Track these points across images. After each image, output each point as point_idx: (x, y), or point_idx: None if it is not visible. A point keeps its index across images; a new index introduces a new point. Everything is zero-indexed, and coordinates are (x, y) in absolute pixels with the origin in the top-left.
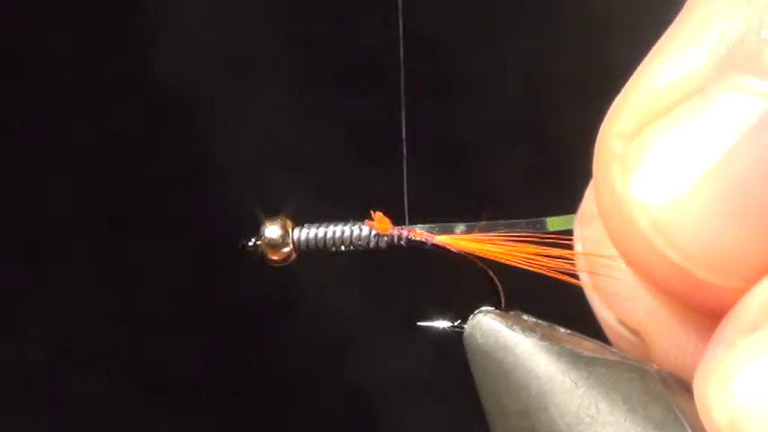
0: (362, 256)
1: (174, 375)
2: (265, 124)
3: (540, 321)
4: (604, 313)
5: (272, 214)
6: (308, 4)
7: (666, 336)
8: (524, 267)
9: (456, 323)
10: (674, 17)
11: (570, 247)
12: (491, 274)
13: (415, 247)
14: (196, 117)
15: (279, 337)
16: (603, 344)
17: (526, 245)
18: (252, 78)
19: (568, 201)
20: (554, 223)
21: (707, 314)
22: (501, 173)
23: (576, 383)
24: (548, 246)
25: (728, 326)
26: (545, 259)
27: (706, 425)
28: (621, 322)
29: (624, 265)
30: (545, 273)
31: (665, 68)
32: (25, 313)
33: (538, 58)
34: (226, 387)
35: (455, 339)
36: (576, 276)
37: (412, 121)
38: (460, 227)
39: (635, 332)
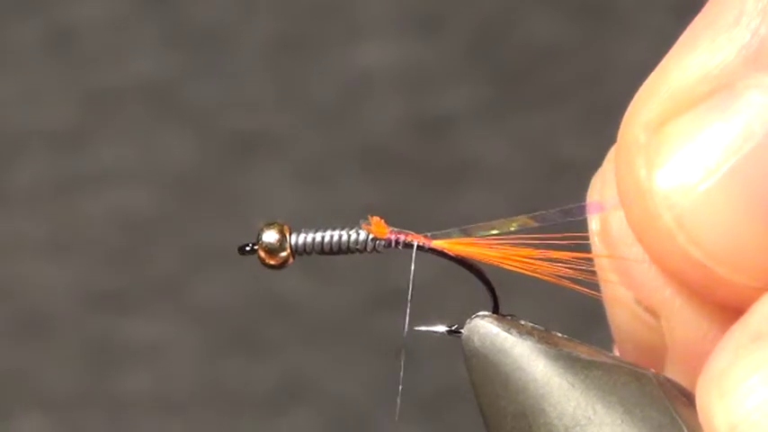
0: (368, 341)
1: None
2: (273, 206)
3: (536, 326)
4: (621, 292)
5: (269, 220)
6: (318, 85)
7: (687, 321)
8: (523, 272)
9: (453, 327)
10: None
11: (571, 250)
12: (488, 278)
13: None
14: (202, 195)
15: (283, 425)
16: (600, 349)
17: (525, 249)
18: (261, 159)
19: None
20: None
21: (728, 309)
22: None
23: (572, 386)
24: (547, 249)
25: (735, 333)
26: (544, 263)
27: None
28: (639, 302)
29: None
30: (544, 278)
31: (693, 62)
32: (18, 393)
33: (552, 137)
34: None
35: None
36: (574, 281)
37: (426, 202)
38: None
39: (653, 313)
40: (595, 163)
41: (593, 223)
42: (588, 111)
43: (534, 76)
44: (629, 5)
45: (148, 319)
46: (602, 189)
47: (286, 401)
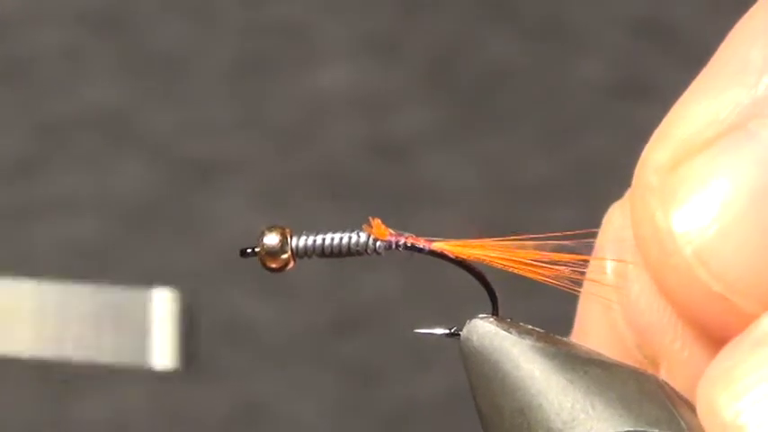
0: (326, 365)
1: None
2: (232, 231)
3: (536, 328)
4: (623, 330)
5: (270, 224)
6: (276, 109)
7: (694, 372)
8: (525, 274)
9: (452, 329)
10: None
11: (575, 252)
12: (488, 280)
13: (414, 252)
14: (157, 221)
15: None
16: (599, 351)
17: (527, 251)
18: (218, 184)
19: (550, 305)
20: None
21: None
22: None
23: (571, 382)
24: (550, 251)
25: (737, 342)
26: (547, 266)
27: (709, 424)
28: (641, 348)
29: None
30: (546, 281)
31: (706, 103)
32: None
33: (510, 159)
34: None
35: None
36: (579, 285)
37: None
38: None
39: (653, 361)
40: (553, 182)
41: (608, 271)
42: (546, 131)
43: (492, 98)
44: (586, 25)
45: None
46: (618, 233)
47: (243, 427)
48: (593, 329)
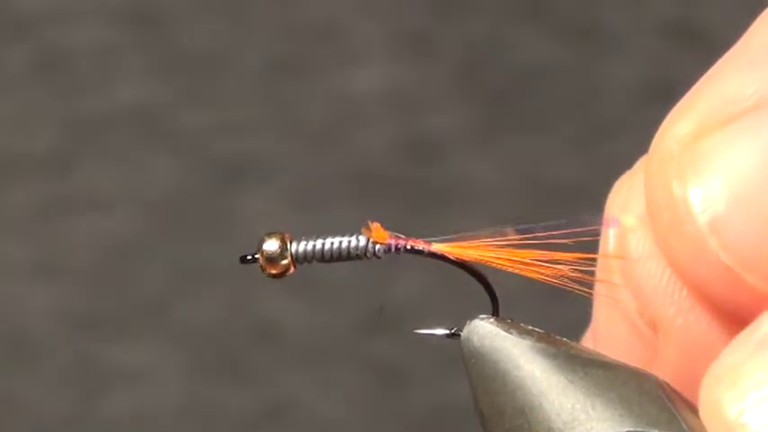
0: (355, 365)
1: None
2: (262, 229)
3: (536, 329)
4: (625, 298)
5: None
6: (308, 108)
7: (684, 340)
8: (525, 274)
9: (453, 330)
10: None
11: (575, 251)
12: (488, 281)
13: (413, 254)
14: (188, 219)
15: None
16: (600, 352)
17: (528, 251)
18: (250, 183)
19: (573, 303)
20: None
21: (741, 323)
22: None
23: (572, 382)
24: (552, 251)
25: (746, 335)
26: (547, 267)
27: (712, 422)
28: (642, 315)
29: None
30: (546, 280)
31: (733, 79)
32: (2, 416)
33: (541, 160)
34: None
35: None
36: (580, 284)
37: (415, 224)
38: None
39: (653, 327)
40: (583, 184)
41: (611, 240)
42: (577, 133)
43: (522, 99)
44: (618, 27)
45: (134, 341)
46: (623, 205)
47: (271, 426)
48: (599, 306)
